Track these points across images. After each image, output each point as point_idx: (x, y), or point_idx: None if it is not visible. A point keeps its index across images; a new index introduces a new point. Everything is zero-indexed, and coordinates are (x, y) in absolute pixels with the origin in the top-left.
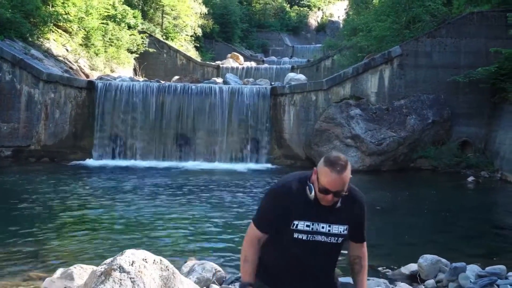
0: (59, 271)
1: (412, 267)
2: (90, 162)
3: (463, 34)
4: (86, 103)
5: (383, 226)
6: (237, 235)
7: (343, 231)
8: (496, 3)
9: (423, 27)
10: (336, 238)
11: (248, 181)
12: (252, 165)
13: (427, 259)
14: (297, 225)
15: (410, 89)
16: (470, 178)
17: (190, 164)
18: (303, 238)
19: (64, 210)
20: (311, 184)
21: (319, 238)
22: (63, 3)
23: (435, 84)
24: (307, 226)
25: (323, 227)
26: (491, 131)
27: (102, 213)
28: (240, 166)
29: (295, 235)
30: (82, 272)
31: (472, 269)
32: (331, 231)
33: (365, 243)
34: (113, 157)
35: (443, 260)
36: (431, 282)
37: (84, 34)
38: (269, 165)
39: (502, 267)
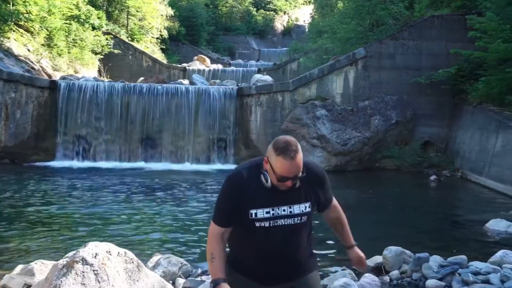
0: (19, 267)
1: (377, 259)
2: (52, 163)
3: (425, 36)
4: (48, 103)
5: (348, 221)
6: (202, 230)
7: (306, 209)
8: (456, 7)
9: (386, 30)
10: (300, 218)
11: (213, 181)
12: (219, 166)
13: (391, 251)
14: (255, 213)
15: (374, 90)
16: (432, 177)
17: (156, 166)
18: (266, 226)
19: (26, 208)
20: (265, 173)
21: (282, 221)
22: (24, 1)
23: (398, 85)
24: (267, 213)
25: (284, 210)
26: (452, 131)
27: (66, 211)
28: (206, 167)
29: (257, 224)
30: (43, 267)
31: (435, 260)
32: (293, 212)
33: (334, 201)
34: (77, 159)
35: (407, 251)
36: (395, 273)
37: (47, 34)
38: (236, 166)
39: (463, 257)
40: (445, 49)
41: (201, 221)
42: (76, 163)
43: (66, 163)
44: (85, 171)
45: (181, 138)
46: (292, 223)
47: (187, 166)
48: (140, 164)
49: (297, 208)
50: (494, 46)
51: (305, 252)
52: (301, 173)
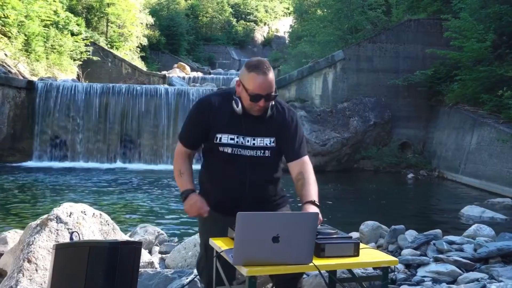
0: None
1: (354, 235)
2: (29, 164)
3: (402, 40)
4: (25, 103)
5: (324, 210)
6: (177, 215)
7: (269, 143)
8: (432, 11)
9: (364, 34)
10: (262, 151)
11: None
12: (199, 166)
13: (368, 225)
14: (220, 138)
15: (352, 92)
16: (410, 175)
17: (135, 166)
18: (228, 152)
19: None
20: (237, 98)
21: (245, 152)
22: (1, 5)
23: (376, 87)
24: (231, 139)
25: (248, 141)
26: (429, 132)
27: (44, 200)
28: None
29: (220, 149)
30: (16, 236)
31: (410, 234)
32: (255, 144)
33: (305, 158)
34: (54, 159)
35: (383, 226)
36: (372, 246)
37: (25, 39)
38: None
39: (438, 230)
40: (422, 52)
41: (177, 209)
42: (53, 164)
43: (43, 164)
44: (63, 170)
45: (160, 138)
46: (255, 155)
47: (166, 166)
48: (119, 164)
49: (260, 141)
50: (469, 46)
51: (272, 190)
52: (274, 93)
